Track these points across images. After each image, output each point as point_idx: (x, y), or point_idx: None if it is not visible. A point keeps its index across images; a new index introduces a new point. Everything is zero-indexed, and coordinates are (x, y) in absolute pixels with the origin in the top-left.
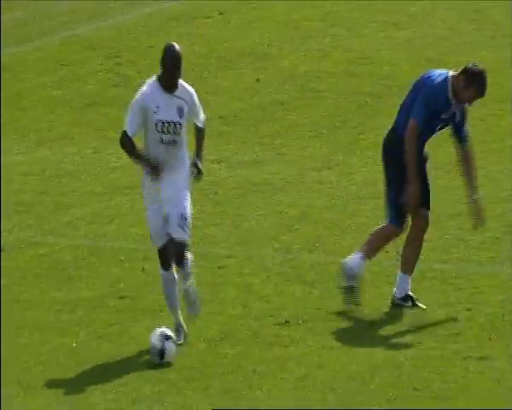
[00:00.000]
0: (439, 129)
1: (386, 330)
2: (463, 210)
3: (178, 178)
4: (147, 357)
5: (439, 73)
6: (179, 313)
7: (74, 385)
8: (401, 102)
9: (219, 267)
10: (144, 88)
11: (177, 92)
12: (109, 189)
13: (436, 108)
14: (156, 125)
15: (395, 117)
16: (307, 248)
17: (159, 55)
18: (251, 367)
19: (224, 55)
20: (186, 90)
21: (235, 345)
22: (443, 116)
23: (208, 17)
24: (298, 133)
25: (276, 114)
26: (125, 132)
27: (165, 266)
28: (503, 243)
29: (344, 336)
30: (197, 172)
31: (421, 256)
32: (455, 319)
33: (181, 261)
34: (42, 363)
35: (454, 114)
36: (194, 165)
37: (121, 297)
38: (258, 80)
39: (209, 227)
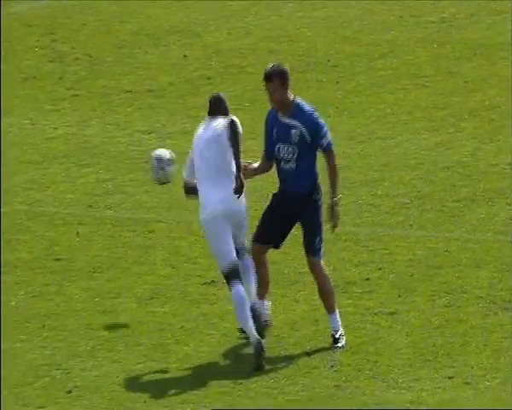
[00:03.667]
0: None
1: (304, 289)
2: (375, 177)
3: None
4: (83, 314)
5: None
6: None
7: (12, 342)
8: (318, 76)
9: (149, 231)
10: None
11: None
12: (45, 158)
13: None
14: None
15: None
16: None
17: (91, 31)
18: (179, 324)
19: (152, 33)
20: None
21: (164, 303)
22: None
23: None
24: None
25: (202, 87)
26: None
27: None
28: (411, 207)
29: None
30: None
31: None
32: (367, 278)
33: None
34: None
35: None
36: None
37: (57, 259)
38: (185, 56)
39: (140, 194)
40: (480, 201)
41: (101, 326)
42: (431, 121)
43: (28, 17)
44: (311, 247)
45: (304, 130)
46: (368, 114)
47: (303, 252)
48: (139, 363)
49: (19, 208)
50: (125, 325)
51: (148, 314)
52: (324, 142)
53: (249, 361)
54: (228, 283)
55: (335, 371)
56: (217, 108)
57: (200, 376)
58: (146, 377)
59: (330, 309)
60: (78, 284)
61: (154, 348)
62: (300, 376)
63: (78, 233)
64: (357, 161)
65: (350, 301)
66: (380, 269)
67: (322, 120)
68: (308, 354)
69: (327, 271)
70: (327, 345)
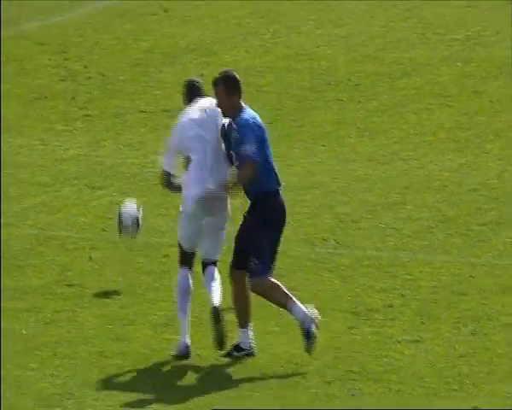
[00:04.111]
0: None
1: (324, 316)
2: (397, 200)
3: None
4: (96, 342)
5: None
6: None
7: (23, 370)
8: (339, 96)
9: (164, 256)
10: None
11: None
12: (57, 180)
13: None
14: None
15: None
16: None
17: (105, 50)
18: (194, 352)
19: (168, 51)
20: None
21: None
22: None
23: (153, 14)
24: None
25: None
26: None
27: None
28: (435, 231)
29: (284, 322)
30: None
31: (357, 244)
32: (390, 305)
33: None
34: None
35: None
36: None
37: (69, 285)
38: (201, 75)
39: (154, 217)
40: (507, 224)
41: (115, 354)
42: (455, 142)
43: (40, 35)
44: (248, 267)
45: (238, 136)
46: (390, 134)
47: (322, 277)
48: (154, 392)
49: (29, 232)
50: (139, 353)
51: (163, 342)
52: (242, 151)
53: (266, 388)
54: (180, 264)
55: (357, 401)
56: (197, 92)
57: (218, 405)
58: (162, 407)
59: (288, 304)
60: (91, 310)
61: (170, 377)
62: (320, 406)
63: (90, 258)
64: (378, 183)
65: (372, 329)
66: (403, 295)
67: (252, 131)
68: (328, 382)
69: (270, 282)
70: (348, 373)
